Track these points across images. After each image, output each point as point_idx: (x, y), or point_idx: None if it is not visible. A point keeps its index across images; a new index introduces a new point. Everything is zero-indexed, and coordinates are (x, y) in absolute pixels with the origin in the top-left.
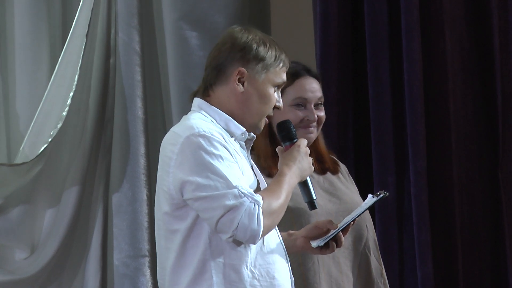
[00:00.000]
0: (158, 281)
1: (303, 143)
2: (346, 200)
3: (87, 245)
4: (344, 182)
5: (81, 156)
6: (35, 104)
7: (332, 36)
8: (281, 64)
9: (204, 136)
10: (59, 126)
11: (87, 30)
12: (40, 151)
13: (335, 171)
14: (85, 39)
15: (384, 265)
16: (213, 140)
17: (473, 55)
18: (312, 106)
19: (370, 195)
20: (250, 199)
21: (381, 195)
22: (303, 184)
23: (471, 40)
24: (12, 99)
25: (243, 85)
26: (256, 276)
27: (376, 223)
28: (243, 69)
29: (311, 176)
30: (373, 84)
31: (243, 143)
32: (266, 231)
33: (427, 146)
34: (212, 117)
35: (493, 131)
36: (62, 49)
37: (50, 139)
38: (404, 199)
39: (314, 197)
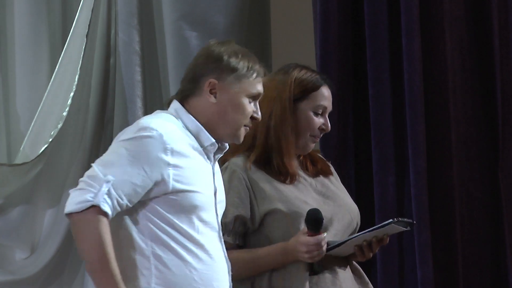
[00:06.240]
0: None
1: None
2: (340, 203)
3: None
4: (336, 184)
5: (81, 156)
6: (35, 104)
7: (332, 36)
8: (254, 75)
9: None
10: (59, 126)
11: (87, 30)
12: (40, 151)
13: (328, 173)
14: (85, 39)
15: (384, 265)
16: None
17: (473, 55)
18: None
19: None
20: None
21: (406, 224)
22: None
23: (471, 40)
24: (12, 99)
25: (215, 96)
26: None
27: (376, 223)
28: (214, 80)
29: (304, 180)
30: (373, 84)
31: (211, 155)
32: None
33: (427, 146)
34: (185, 124)
35: (493, 131)
36: (62, 49)
37: (50, 139)
38: (404, 199)
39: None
